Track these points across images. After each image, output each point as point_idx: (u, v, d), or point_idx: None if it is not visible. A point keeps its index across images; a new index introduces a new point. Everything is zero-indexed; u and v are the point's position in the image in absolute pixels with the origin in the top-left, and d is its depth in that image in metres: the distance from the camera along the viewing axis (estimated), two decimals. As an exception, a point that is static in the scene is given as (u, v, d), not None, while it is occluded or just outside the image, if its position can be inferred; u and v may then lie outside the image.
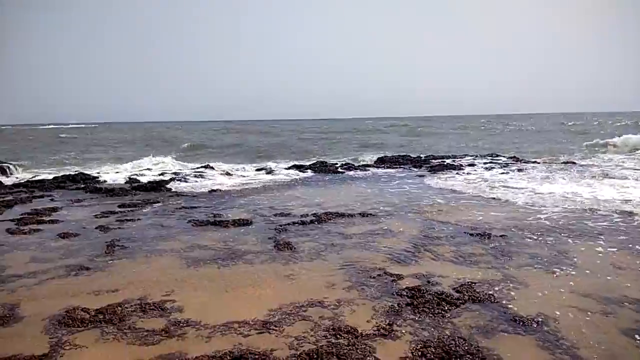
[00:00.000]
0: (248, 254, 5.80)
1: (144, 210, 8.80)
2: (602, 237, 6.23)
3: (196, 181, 12.57)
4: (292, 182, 12.36)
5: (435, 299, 4.25)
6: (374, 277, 4.88)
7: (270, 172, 14.54)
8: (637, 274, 4.81)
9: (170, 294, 4.55)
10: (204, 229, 7.22)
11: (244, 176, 14.00)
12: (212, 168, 15.21)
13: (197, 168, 15.07)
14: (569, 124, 55.11)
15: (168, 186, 11.41)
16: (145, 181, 12.10)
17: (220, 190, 11.05)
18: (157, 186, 11.24)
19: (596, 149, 22.41)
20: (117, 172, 15.05)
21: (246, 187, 11.53)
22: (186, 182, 12.21)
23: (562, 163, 15.64)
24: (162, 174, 13.87)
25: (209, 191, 10.91)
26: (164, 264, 5.53)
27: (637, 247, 5.73)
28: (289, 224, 7.31)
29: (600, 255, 5.48)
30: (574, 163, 15.54)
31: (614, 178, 11.41)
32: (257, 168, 15.35)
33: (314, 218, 7.66)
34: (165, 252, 5.97)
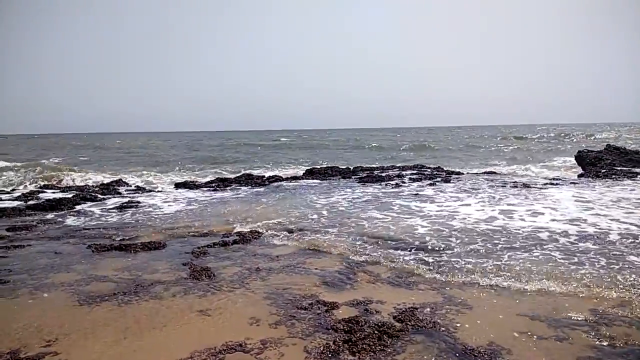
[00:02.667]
0: (157, 286, 4.93)
1: (36, 234, 7.55)
2: (536, 249, 6.04)
3: (104, 198, 11.26)
4: (215, 196, 11.44)
5: (375, 332, 3.69)
6: (305, 308, 4.24)
7: (192, 186, 13.47)
8: (580, 287, 4.56)
9: (52, 344, 3.62)
10: (106, 255, 6.19)
11: (160, 191, 12.85)
12: (126, 183, 13.87)
13: (107, 183, 13.63)
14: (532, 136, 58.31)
15: (71, 205, 10.06)
16: (45, 199, 10.63)
17: (132, 208, 9.89)
18: (58, 205, 9.87)
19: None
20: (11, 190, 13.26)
21: (162, 203, 10.45)
22: (93, 200, 10.88)
23: (484, 173, 16.03)
24: (64, 191, 12.36)
25: (117, 209, 9.72)
26: (50, 302, 4.53)
27: (572, 259, 5.57)
28: (208, 246, 6.49)
29: (538, 268, 5.23)
30: (495, 173, 15.94)
31: (530, 187, 11.69)
32: (177, 183, 14.19)
33: (237, 237, 6.88)
34: (54, 287, 4.94)
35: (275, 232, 7.21)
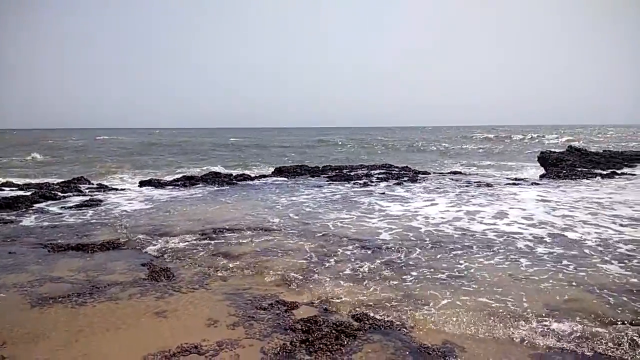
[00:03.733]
0: (114, 286, 4.81)
1: (-11, 234, 7.25)
2: (489, 247, 6.18)
3: (64, 196, 10.91)
4: (179, 194, 11.25)
5: (333, 331, 3.70)
6: (264, 308, 4.21)
7: (157, 184, 13.21)
8: (534, 289, 4.68)
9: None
10: (62, 255, 6.01)
11: (123, 189, 12.56)
12: (88, 181, 13.49)
13: (69, 180, 13.22)
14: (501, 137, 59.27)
15: (28, 203, 9.72)
16: (1, 197, 10.23)
17: (92, 206, 9.63)
18: (14, 203, 9.51)
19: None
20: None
21: (124, 201, 10.21)
22: (53, 198, 10.53)
23: (449, 173, 16.33)
24: (23, 189, 11.93)
25: (77, 207, 9.44)
26: (0, 305, 4.36)
27: (522, 255, 5.72)
28: (169, 245, 6.37)
29: (493, 266, 5.35)
30: (461, 173, 16.25)
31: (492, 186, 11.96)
32: (142, 181, 13.89)
33: (199, 237, 6.79)
34: (5, 289, 4.76)
35: (238, 231, 7.14)
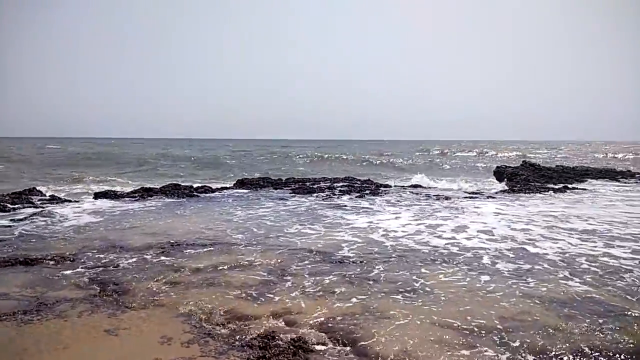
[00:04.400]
0: (63, 303, 4.60)
1: None
2: (447, 260, 6.31)
3: (14, 208, 10.42)
4: (136, 207, 10.95)
5: (291, 347, 3.66)
6: (221, 324, 4.13)
7: (112, 196, 12.81)
8: (488, 298, 4.80)
9: None
10: (9, 270, 5.70)
11: (77, 201, 12.11)
12: (40, 192, 12.94)
13: (19, 192, 12.62)
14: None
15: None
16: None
17: (43, 218, 9.23)
18: (-42, 215, 9.00)
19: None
20: None
21: (77, 214, 9.85)
22: (2, 210, 10.04)
23: (410, 186, 16.65)
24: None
25: (27, 219, 9.03)
26: (-64, 325, 4.09)
27: (478, 268, 5.87)
28: (124, 260, 6.17)
29: (450, 279, 5.46)
30: (420, 186, 16.57)
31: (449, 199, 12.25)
32: (97, 192, 13.44)
33: (156, 251, 6.61)
34: (-56, 307, 4.48)
35: (196, 245, 7.00)
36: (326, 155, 45.84)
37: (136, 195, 13.00)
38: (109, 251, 6.67)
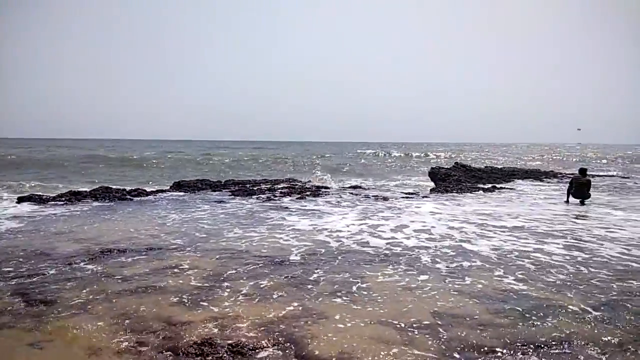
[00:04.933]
0: (-21, 316, 4.24)
1: None
2: (385, 260, 6.46)
3: None
4: (63, 211, 10.33)
5: (228, 352, 3.58)
6: (155, 332, 3.96)
7: (37, 200, 12.00)
8: (424, 296, 4.95)
9: None
10: None
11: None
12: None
13: None
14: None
15: None
16: None
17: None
18: None
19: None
20: None
21: (4, 220, 9.14)
22: None
23: (350, 187, 16.92)
24: None
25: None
26: None
27: (415, 266, 6.06)
28: (49, 268, 5.79)
29: (388, 278, 5.59)
30: (360, 187, 16.88)
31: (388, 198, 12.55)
32: (20, 197, 12.53)
33: (85, 258, 6.26)
34: None
35: (128, 251, 6.70)
36: (268, 157, 45.53)
37: (63, 199, 12.26)
38: (34, 259, 6.23)
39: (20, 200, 12.10)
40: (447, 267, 6.11)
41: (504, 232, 8.38)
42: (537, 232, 8.40)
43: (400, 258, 6.54)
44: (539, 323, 4.23)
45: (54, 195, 13.01)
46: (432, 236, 7.99)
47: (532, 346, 3.77)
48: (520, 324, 4.22)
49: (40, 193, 13.95)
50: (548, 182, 19.23)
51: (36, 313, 4.36)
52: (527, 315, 4.43)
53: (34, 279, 5.37)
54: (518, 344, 3.81)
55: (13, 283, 5.24)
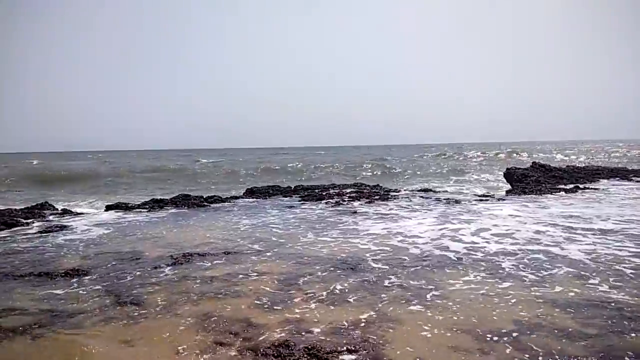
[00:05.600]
0: (78, 315, 4.63)
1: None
2: (462, 265, 6.27)
3: (27, 222, 10.53)
4: (149, 218, 11.03)
5: (304, 355, 3.64)
6: (234, 333, 4.12)
7: (124, 208, 12.92)
8: (505, 304, 4.75)
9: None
10: (24, 283, 5.76)
11: (89, 214, 12.23)
12: (52, 206, 13.07)
13: (32, 206, 12.76)
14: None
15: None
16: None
17: (57, 232, 9.32)
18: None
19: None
20: None
21: (90, 226, 9.93)
22: (15, 225, 10.15)
23: (419, 190, 16.62)
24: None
25: (41, 233, 9.13)
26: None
27: (497, 272, 5.82)
28: (136, 271, 6.20)
29: (466, 284, 5.41)
30: (430, 190, 16.53)
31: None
32: (108, 205, 13.55)
33: (168, 261, 6.64)
34: (-39, 321, 4.52)
35: (208, 255, 7.02)
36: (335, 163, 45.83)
37: (147, 206, 13.09)
38: (122, 263, 6.71)
39: (108, 208, 13.08)
40: (532, 273, 5.80)
41: (594, 235, 7.83)
42: (633, 234, 7.77)
43: (481, 264, 6.29)
44: (634, 334, 3.92)
45: (138, 203, 13.92)
46: (515, 240, 7.62)
47: (621, 358, 3.50)
48: (612, 334, 3.93)
49: (126, 201, 15.00)
50: (637, 181, 17.73)
51: (126, 313, 4.69)
52: (620, 325, 4.11)
53: (123, 281, 5.78)
54: (608, 355, 3.55)
55: (105, 284, 5.67)
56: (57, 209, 12.85)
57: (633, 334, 3.90)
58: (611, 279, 5.43)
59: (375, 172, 36.34)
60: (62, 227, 9.78)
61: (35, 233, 9.22)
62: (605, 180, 18.06)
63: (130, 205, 13.37)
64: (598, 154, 55.04)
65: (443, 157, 57.70)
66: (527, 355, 3.61)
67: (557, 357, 3.56)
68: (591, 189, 15.25)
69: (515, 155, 55.94)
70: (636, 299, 4.75)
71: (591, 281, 5.40)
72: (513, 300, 4.82)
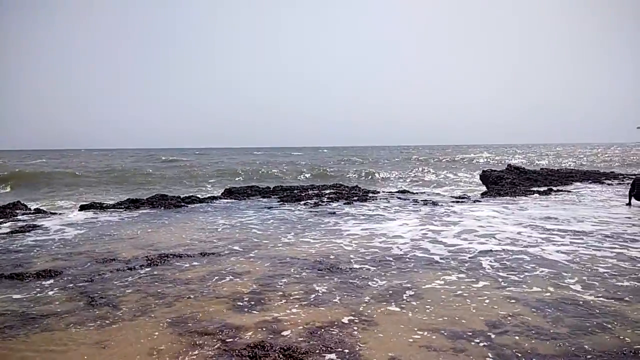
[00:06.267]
0: (50, 317, 4.54)
1: None
2: (441, 265, 6.37)
3: (-2, 222, 10.26)
4: (124, 219, 10.87)
5: (280, 356, 3.65)
6: (210, 334, 4.10)
7: (98, 208, 12.69)
8: (479, 304, 4.85)
9: None
10: (-7, 285, 5.63)
11: (62, 214, 11.98)
12: (25, 206, 12.75)
13: (3, 206, 12.40)
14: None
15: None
16: None
17: (29, 232, 9.11)
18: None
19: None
20: None
21: (63, 227, 9.73)
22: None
23: (397, 192, 16.76)
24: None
25: (12, 233, 8.91)
26: None
27: (475, 272, 5.92)
28: (111, 272, 6.11)
29: (443, 285, 5.50)
30: (408, 192, 16.67)
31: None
32: (82, 205, 13.29)
33: (143, 262, 6.56)
34: None
35: (184, 256, 6.96)
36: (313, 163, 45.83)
37: (122, 206, 12.89)
38: (96, 263, 6.61)
39: (82, 208, 12.83)
40: (508, 273, 5.94)
41: (571, 236, 8.05)
42: (608, 235, 8.03)
43: (458, 264, 6.40)
44: (601, 332, 4.04)
45: (114, 203, 13.70)
46: (493, 241, 7.78)
47: (590, 356, 3.61)
48: (581, 333, 4.05)
49: (101, 201, 14.74)
50: (609, 184, 18.25)
51: (100, 315, 4.62)
52: (590, 324, 4.24)
53: (98, 283, 5.69)
54: (576, 354, 3.66)
55: (78, 286, 5.57)
56: (29, 209, 12.55)
57: (601, 333, 4.03)
58: (585, 279, 5.60)
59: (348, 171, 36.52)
60: (35, 227, 9.57)
61: (6, 233, 8.99)
62: (579, 183, 18.54)
63: (105, 205, 13.15)
64: (571, 157, 56.35)
65: (416, 158, 58.33)
66: (496, 353, 3.69)
67: (526, 356, 3.65)
68: (564, 191, 15.63)
69: (490, 157, 56.83)
70: (607, 299, 4.90)
71: (565, 281, 5.55)
72: (487, 301, 4.92)
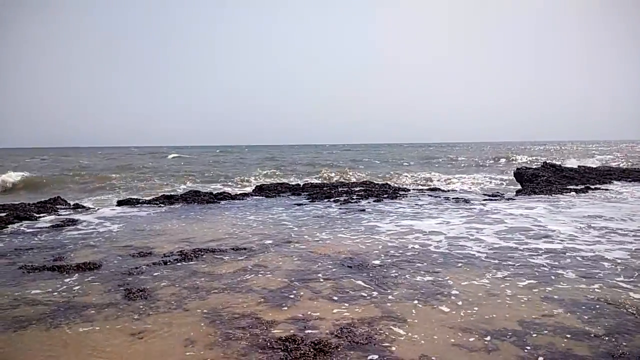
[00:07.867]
0: (90, 308, 4.72)
1: (-40, 256, 7.06)
2: (473, 264, 6.28)
3: (39, 216, 10.71)
4: (160, 214, 11.15)
5: (311, 350, 3.69)
6: (242, 327, 4.19)
7: (135, 203, 13.06)
8: (513, 302, 4.77)
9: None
10: (37, 276, 5.89)
11: (101, 209, 12.39)
12: (65, 201, 13.25)
13: (44, 201, 12.96)
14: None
15: (2, 224, 9.49)
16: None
17: (69, 226, 9.47)
18: (-13, 224, 9.29)
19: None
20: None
21: (101, 221, 10.07)
22: (28, 219, 10.33)
23: (428, 189, 16.58)
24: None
25: (53, 228, 9.28)
26: (-30, 330, 4.25)
27: (511, 272, 5.82)
28: (147, 266, 6.30)
29: (476, 283, 5.43)
30: (439, 189, 16.47)
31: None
32: (119, 200, 13.72)
33: (178, 257, 6.73)
34: (-23, 312, 4.64)
35: (217, 251, 7.10)
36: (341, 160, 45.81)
37: (157, 202, 13.23)
38: (133, 257, 6.82)
39: (119, 203, 13.25)
40: (562, 271, 5.79)
41: (630, 235, 7.77)
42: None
43: (499, 262, 6.29)
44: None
45: (149, 198, 14.07)
46: (538, 240, 7.59)
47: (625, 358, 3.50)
48: (619, 335, 3.94)
49: (137, 197, 15.17)
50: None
51: (136, 307, 4.77)
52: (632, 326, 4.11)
53: (135, 276, 5.87)
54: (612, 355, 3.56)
55: (117, 278, 5.77)
56: (69, 204, 13.03)
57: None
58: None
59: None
60: (74, 221, 9.93)
61: (47, 227, 9.37)
62: (617, 182, 17.89)
63: (140, 200, 13.53)
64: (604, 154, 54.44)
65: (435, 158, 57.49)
66: (530, 353, 3.63)
67: (562, 356, 3.58)
68: (602, 189, 15.12)
69: (517, 157, 55.44)
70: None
71: (618, 279, 5.39)
72: (522, 300, 4.84)
